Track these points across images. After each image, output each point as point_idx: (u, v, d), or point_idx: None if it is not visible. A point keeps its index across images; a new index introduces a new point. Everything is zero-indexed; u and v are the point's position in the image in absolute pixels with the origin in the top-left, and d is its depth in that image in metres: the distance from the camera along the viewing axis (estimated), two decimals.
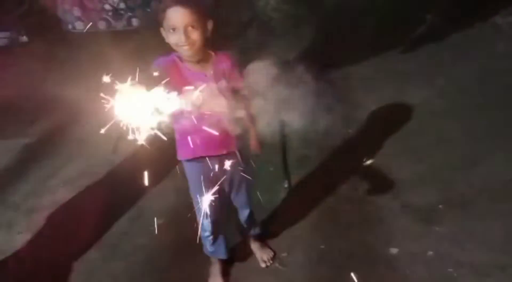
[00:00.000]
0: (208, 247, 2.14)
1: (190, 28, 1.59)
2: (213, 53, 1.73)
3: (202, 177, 1.86)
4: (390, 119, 3.32)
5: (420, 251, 2.18)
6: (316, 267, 2.17)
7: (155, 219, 2.56)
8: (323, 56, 4.46)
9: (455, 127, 3.07)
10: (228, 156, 1.82)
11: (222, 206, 2.01)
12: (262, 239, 2.33)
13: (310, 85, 1.71)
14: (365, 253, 2.22)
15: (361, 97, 3.65)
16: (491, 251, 2.12)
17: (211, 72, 1.70)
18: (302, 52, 4.69)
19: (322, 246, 2.27)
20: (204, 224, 2.00)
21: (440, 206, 2.43)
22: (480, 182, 2.57)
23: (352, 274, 1.95)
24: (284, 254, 2.25)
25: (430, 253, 2.16)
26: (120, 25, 4.04)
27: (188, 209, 2.48)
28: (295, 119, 1.65)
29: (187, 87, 1.43)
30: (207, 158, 1.82)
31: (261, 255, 2.26)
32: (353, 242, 2.28)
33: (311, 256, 2.23)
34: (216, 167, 1.84)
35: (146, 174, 1.65)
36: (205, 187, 1.85)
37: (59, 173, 3.17)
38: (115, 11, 4.00)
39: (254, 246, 2.31)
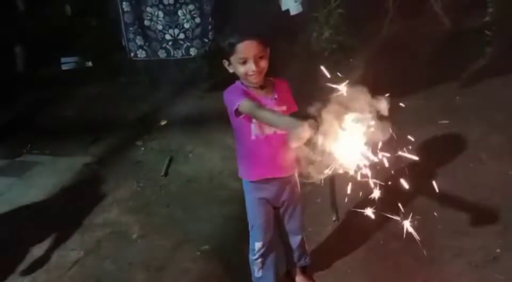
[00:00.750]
0: (256, 272, 2.09)
1: (259, 58, 1.72)
2: (272, 79, 1.84)
3: (261, 198, 1.94)
4: (445, 153, 3.20)
5: None
6: None
7: (201, 245, 2.63)
8: (375, 88, 4.42)
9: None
10: (288, 178, 1.92)
11: (275, 230, 2.04)
12: (309, 271, 2.29)
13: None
14: None
15: (413, 131, 3.55)
16: None
17: (276, 96, 1.82)
18: (352, 84, 4.67)
19: None
20: (256, 246, 2.01)
21: (498, 250, 2.29)
22: None
23: None
24: None
25: None
26: (178, 54, 4.23)
27: (235, 236, 2.53)
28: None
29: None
30: (269, 180, 1.90)
31: None
32: None
33: None
34: (276, 189, 1.92)
35: None
36: (262, 209, 1.95)
37: (113, 193, 3.31)
38: (175, 41, 4.20)
39: (300, 278, 2.27)
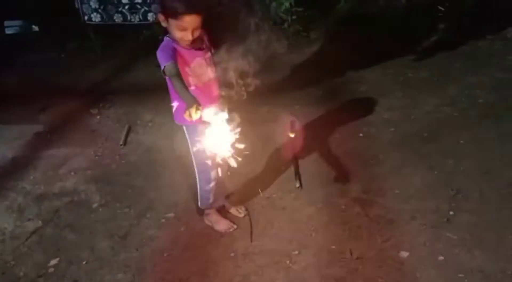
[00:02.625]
0: (210, 199, 2.38)
1: (195, 29, 1.94)
2: None
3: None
4: (400, 125, 3.33)
5: (431, 255, 2.19)
6: (327, 266, 2.18)
7: (166, 212, 2.61)
8: (332, 60, 4.50)
9: (466, 136, 3.09)
10: None
11: None
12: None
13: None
14: (375, 255, 2.22)
15: (371, 103, 3.68)
16: (502, 259, 2.13)
17: (203, 46, 2.07)
18: (310, 55, 4.73)
19: (333, 246, 2.28)
20: (212, 176, 2.27)
21: (451, 213, 2.44)
22: (490, 189, 2.59)
23: None
24: (295, 252, 2.26)
25: (441, 258, 2.17)
26: (135, 19, 4.06)
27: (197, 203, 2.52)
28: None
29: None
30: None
31: (236, 209, 2.55)
32: (363, 244, 2.29)
33: (321, 255, 2.24)
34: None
35: None
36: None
37: (69, 162, 3.18)
38: (132, 5, 4.02)
39: (227, 205, 2.56)
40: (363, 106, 3.64)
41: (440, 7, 4.31)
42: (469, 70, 3.96)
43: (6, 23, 5.72)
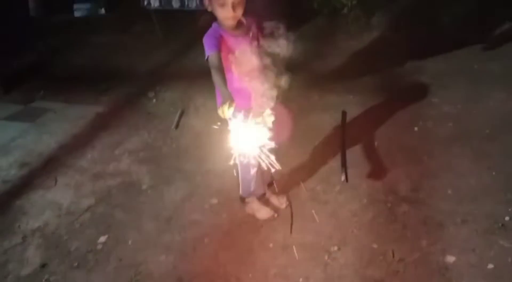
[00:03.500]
0: (251, 187, 2.39)
1: (236, 4, 1.92)
2: (243, 19, 2.04)
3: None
4: (460, 120, 3.13)
5: (480, 263, 2.06)
6: (366, 266, 2.12)
7: (210, 198, 2.66)
8: (393, 48, 4.30)
9: None
10: None
11: None
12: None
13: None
14: (419, 258, 2.13)
15: (432, 95, 3.49)
16: None
17: (251, 33, 2.06)
18: (370, 43, 4.55)
19: (375, 246, 2.21)
20: (253, 162, 2.23)
21: (507, 218, 2.28)
22: None
23: None
24: (335, 248, 2.22)
25: (491, 266, 2.04)
26: (193, 4, 4.11)
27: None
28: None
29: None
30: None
31: (277, 198, 2.53)
32: (407, 245, 2.20)
33: (362, 254, 2.18)
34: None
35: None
36: None
37: (125, 143, 3.32)
38: None
39: (268, 195, 2.55)
40: (421, 98, 3.46)
41: None
42: None
43: (75, 6, 6.02)
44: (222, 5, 1.92)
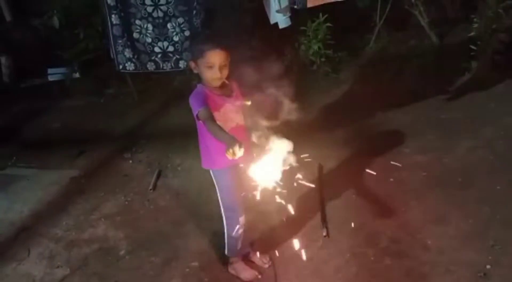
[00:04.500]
0: (237, 246, 2.39)
1: (223, 66, 2.05)
2: (226, 81, 2.14)
3: (233, 179, 2.23)
4: (433, 169, 3.22)
5: None
6: None
7: (190, 261, 2.60)
8: (362, 101, 4.47)
9: (503, 181, 2.94)
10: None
11: None
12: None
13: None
14: None
15: (402, 146, 3.59)
16: None
17: (233, 94, 2.17)
18: (339, 97, 4.72)
19: None
20: (241, 222, 2.29)
21: (488, 266, 2.30)
22: None
23: None
24: None
25: None
26: (168, 66, 4.21)
27: (224, 252, 2.50)
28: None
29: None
30: (234, 166, 2.17)
31: (260, 258, 2.51)
32: None
33: None
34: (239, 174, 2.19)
35: None
36: (236, 188, 2.24)
37: (101, 208, 3.26)
38: (164, 53, 4.18)
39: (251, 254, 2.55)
40: (394, 149, 3.55)
41: (472, 46, 4.22)
42: (505, 110, 3.80)
43: (50, 70, 6.07)
44: (211, 67, 2.04)
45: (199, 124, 2.12)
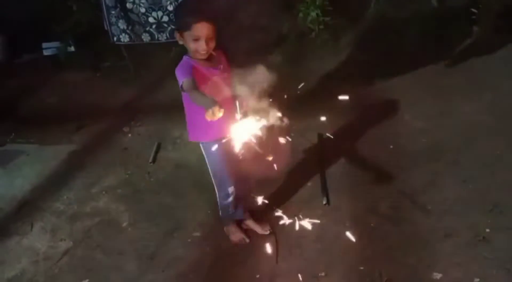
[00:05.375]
0: (229, 211, 2.45)
1: (209, 38, 1.97)
2: (213, 52, 2.06)
3: (220, 149, 2.17)
4: (433, 135, 3.21)
5: (466, 277, 2.09)
6: None
7: (192, 231, 2.62)
8: (362, 68, 4.41)
9: (503, 145, 2.93)
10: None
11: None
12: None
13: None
14: (407, 276, 2.14)
15: (402, 112, 3.56)
16: None
17: (220, 66, 2.10)
18: (338, 64, 4.65)
19: (361, 268, 2.21)
20: (229, 191, 2.34)
21: (488, 230, 2.32)
22: None
23: None
24: (322, 274, 2.21)
25: (477, 280, 2.06)
26: (163, 37, 4.13)
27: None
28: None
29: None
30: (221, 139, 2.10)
31: (260, 226, 2.55)
32: (394, 265, 2.21)
33: (349, 277, 2.18)
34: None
35: None
36: (224, 157, 2.22)
37: (101, 181, 3.26)
38: (159, 24, 4.10)
39: (250, 222, 2.57)
40: (393, 116, 3.53)
41: (473, 10, 4.12)
42: (506, 74, 3.75)
43: (44, 45, 5.96)
44: (197, 40, 1.96)
45: (185, 96, 2.09)
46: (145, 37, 4.14)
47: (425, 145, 3.12)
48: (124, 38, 4.14)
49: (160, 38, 4.12)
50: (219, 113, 1.72)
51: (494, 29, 4.13)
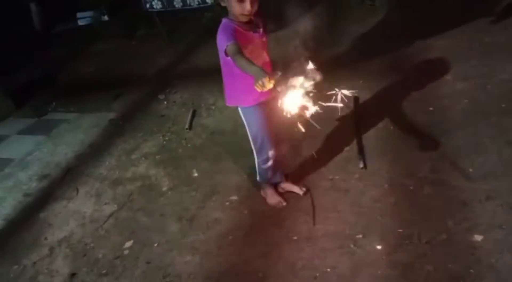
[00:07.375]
0: (268, 175, 2.46)
1: (253, 0, 1.96)
2: (252, 17, 2.07)
3: (261, 113, 2.22)
4: (475, 96, 3.09)
5: (508, 239, 2.04)
6: (392, 251, 2.11)
7: (229, 195, 2.67)
8: (396, 29, 4.25)
9: None
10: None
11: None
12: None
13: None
14: (447, 239, 2.11)
15: (442, 73, 3.43)
16: None
17: (260, 30, 2.11)
18: (375, 25, 4.49)
19: (400, 230, 2.20)
20: (270, 154, 2.34)
21: None
22: None
23: None
24: (359, 236, 2.21)
25: None
26: (194, 2, 4.10)
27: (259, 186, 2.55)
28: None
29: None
30: (265, 102, 2.18)
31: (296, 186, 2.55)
32: (433, 227, 2.18)
33: (387, 239, 2.17)
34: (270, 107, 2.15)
35: None
36: (265, 122, 2.25)
37: (141, 147, 3.35)
38: None
39: (286, 185, 2.58)
40: (434, 77, 3.40)
41: None
42: None
43: (78, 14, 6.05)
44: (241, 1, 1.94)
45: (224, 60, 2.06)
46: (177, 3, 4.14)
47: (466, 106, 3.01)
48: (157, 5, 4.15)
49: (192, 4, 4.11)
50: (269, 85, 1.73)
51: None
